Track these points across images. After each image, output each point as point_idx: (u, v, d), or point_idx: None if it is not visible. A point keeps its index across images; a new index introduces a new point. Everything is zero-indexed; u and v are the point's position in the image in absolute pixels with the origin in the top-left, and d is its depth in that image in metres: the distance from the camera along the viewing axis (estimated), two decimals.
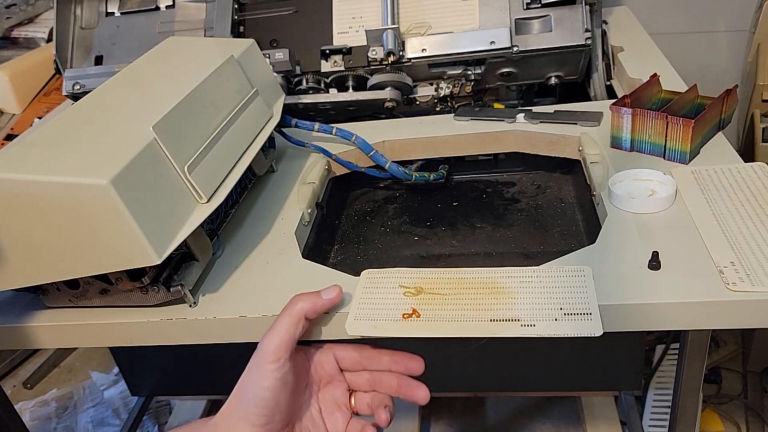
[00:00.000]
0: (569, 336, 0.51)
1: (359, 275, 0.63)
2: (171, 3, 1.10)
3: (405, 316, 0.55)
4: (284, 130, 0.88)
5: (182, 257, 0.65)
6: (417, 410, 1.44)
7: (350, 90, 1.01)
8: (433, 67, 1.01)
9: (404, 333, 0.54)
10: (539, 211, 0.85)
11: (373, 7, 1.00)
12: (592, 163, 0.77)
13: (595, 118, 0.85)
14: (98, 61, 1.10)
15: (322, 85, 1.02)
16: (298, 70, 1.02)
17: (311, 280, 0.64)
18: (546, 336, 0.51)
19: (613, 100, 0.79)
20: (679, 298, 0.55)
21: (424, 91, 1.04)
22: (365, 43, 0.97)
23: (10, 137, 1.38)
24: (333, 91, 1.03)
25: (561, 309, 0.53)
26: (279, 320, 0.53)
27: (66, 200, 0.54)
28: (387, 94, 0.97)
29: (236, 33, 1.05)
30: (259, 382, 0.49)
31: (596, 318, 0.52)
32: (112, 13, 1.12)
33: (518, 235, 0.82)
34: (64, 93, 1.10)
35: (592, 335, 0.50)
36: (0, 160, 0.56)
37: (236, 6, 1.05)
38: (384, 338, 0.55)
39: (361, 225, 0.89)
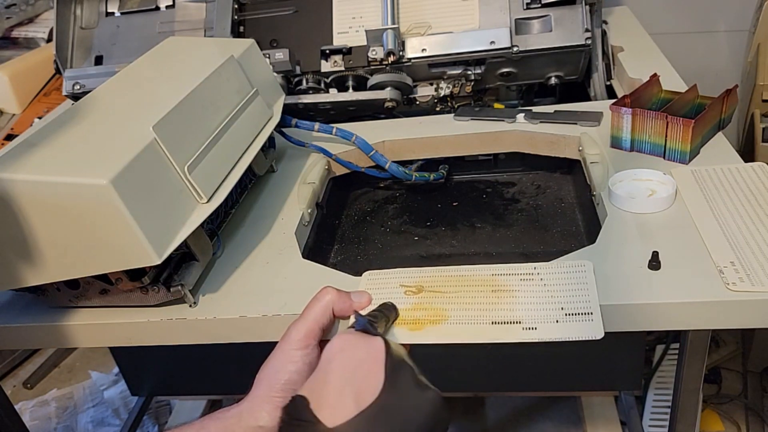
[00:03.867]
0: (570, 340, 0.50)
1: (359, 275, 0.63)
2: (171, 3, 1.10)
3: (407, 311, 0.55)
4: (284, 130, 0.88)
5: (182, 257, 0.65)
6: None
7: (350, 90, 1.01)
8: (433, 67, 1.01)
9: (408, 340, 0.53)
10: (539, 211, 0.85)
11: (373, 7, 1.00)
12: (592, 163, 0.77)
13: (595, 118, 0.85)
14: (98, 61, 1.10)
15: (322, 85, 1.02)
16: (298, 70, 1.02)
17: (311, 280, 0.64)
18: (548, 340, 0.51)
19: (613, 100, 0.79)
20: (679, 298, 0.55)
21: (424, 91, 1.04)
22: (365, 43, 0.97)
23: (10, 137, 1.38)
24: (333, 91, 1.03)
25: (562, 309, 0.53)
26: (308, 309, 0.54)
27: (66, 200, 0.54)
28: (387, 94, 0.97)
29: (236, 33, 1.05)
30: (286, 366, 0.50)
31: (597, 318, 0.51)
32: (112, 13, 1.12)
33: (518, 235, 0.82)
34: (64, 93, 1.10)
35: (593, 338, 0.50)
36: (0, 160, 0.56)
37: (236, 6, 1.05)
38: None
39: (361, 225, 0.89)
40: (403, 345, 0.50)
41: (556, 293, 0.54)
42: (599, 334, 0.50)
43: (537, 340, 0.51)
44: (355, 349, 0.46)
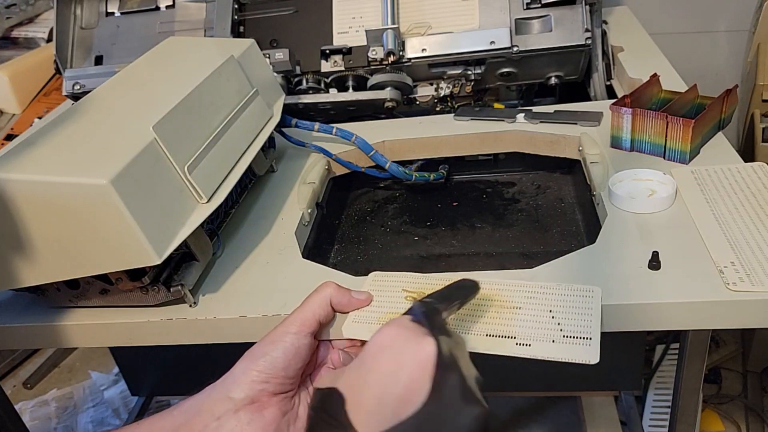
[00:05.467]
0: (563, 361, 0.49)
1: (359, 275, 0.63)
2: (171, 3, 1.10)
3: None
4: (284, 130, 0.88)
5: (182, 257, 0.65)
6: None
7: (350, 90, 1.01)
8: (433, 67, 1.01)
9: None
10: (539, 211, 0.85)
11: (373, 7, 1.00)
12: (592, 163, 0.77)
13: (595, 118, 0.85)
14: (98, 61, 1.10)
15: (322, 85, 1.02)
16: (298, 70, 1.02)
17: (311, 280, 0.64)
18: (540, 358, 0.50)
19: (613, 100, 0.79)
20: (679, 298, 0.55)
21: (424, 91, 1.04)
22: (365, 43, 0.97)
23: (10, 137, 1.38)
24: (333, 91, 1.03)
25: (561, 330, 0.52)
26: (306, 300, 0.54)
27: (66, 200, 0.54)
28: (387, 94, 0.97)
29: (236, 33, 1.05)
30: (273, 345, 0.50)
31: (595, 345, 0.50)
32: (112, 13, 1.12)
33: (518, 235, 0.82)
34: (64, 93, 1.10)
35: (587, 362, 0.49)
36: (0, 160, 0.56)
37: (236, 6, 1.05)
38: None
39: (361, 225, 0.89)
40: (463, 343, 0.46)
41: (558, 315, 0.53)
42: (594, 359, 0.49)
43: (529, 357, 0.50)
44: (402, 350, 0.42)
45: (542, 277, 0.60)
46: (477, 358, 0.51)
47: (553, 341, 0.51)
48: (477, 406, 0.40)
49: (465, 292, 0.50)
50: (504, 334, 0.52)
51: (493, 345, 0.51)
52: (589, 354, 0.49)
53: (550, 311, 0.54)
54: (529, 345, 0.51)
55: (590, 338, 0.51)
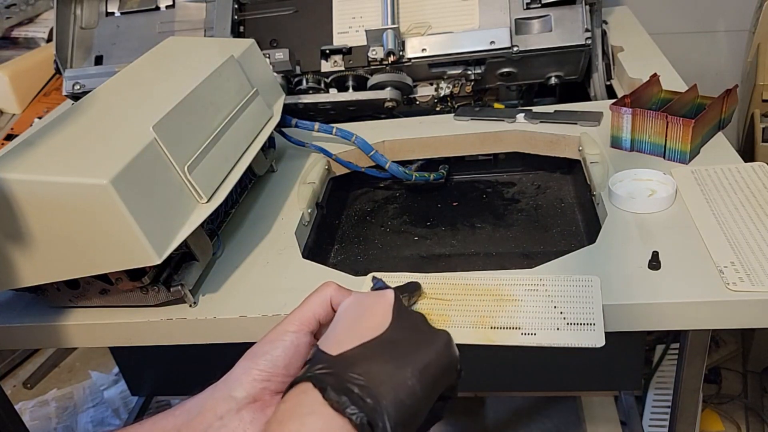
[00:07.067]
0: (569, 346, 0.50)
1: (359, 275, 0.63)
2: (171, 3, 1.10)
3: None
4: (284, 130, 0.88)
5: (182, 257, 0.65)
6: None
7: (350, 90, 1.01)
8: (433, 67, 1.01)
9: None
10: (539, 211, 0.85)
11: (373, 7, 1.00)
12: (592, 163, 0.77)
13: (595, 118, 0.85)
14: (98, 61, 1.10)
15: (322, 85, 1.02)
16: (298, 70, 1.02)
17: (311, 280, 0.64)
18: (546, 345, 0.50)
19: (613, 100, 0.79)
20: (679, 298, 0.56)
21: (424, 91, 1.03)
22: (365, 43, 0.97)
23: (10, 137, 1.38)
24: (333, 91, 1.03)
25: (564, 318, 0.52)
26: (307, 299, 0.55)
27: (66, 200, 0.54)
28: (387, 94, 0.97)
29: (236, 33, 1.05)
30: (273, 344, 0.51)
31: (599, 329, 0.51)
32: (112, 13, 1.12)
33: (518, 235, 0.82)
34: (64, 93, 1.10)
35: (594, 346, 0.49)
36: (0, 160, 0.56)
37: (236, 6, 1.05)
38: None
39: (361, 225, 0.89)
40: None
41: (560, 304, 0.54)
42: (600, 343, 0.49)
43: (536, 345, 0.50)
44: (366, 298, 0.48)
45: None
46: (478, 359, 0.51)
47: (558, 329, 0.51)
48: (441, 331, 0.44)
49: (413, 287, 0.56)
50: (509, 325, 0.52)
51: (499, 337, 0.52)
52: (595, 338, 0.50)
53: (552, 302, 0.54)
54: (535, 334, 0.51)
55: (594, 323, 0.51)
